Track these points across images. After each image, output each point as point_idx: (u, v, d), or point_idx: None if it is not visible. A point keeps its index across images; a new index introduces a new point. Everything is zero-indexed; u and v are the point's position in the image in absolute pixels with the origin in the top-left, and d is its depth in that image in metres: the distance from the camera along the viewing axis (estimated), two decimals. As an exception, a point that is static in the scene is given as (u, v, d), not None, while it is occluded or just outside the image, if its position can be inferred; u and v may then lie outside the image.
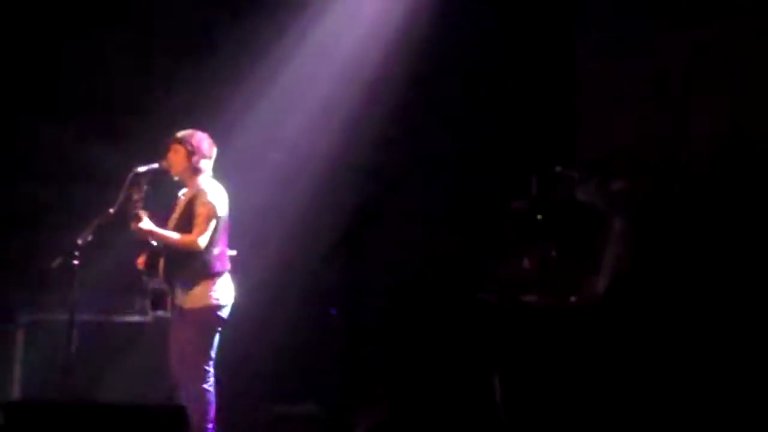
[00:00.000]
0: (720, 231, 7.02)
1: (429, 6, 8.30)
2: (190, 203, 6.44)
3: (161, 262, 6.39)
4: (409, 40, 8.33)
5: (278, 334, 8.25)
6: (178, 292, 6.42)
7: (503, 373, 6.97)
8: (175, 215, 6.52)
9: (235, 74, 8.31)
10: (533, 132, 8.42)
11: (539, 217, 7.33)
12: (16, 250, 8.12)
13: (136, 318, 7.59)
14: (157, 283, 6.44)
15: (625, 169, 6.73)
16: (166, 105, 8.14)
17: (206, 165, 6.55)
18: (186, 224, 6.40)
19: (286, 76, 8.37)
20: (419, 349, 8.27)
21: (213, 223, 6.40)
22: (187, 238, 6.36)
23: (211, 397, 6.42)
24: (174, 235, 6.36)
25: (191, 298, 6.42)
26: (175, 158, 6.52)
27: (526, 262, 7.21)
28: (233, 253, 6.61)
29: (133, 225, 6.29)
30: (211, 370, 6.45)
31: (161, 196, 6.64)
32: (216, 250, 6.44)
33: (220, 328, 6.47)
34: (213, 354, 6.46)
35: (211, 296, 6.44)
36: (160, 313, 6.48)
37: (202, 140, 6.54)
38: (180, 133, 6.55)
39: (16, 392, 7.62)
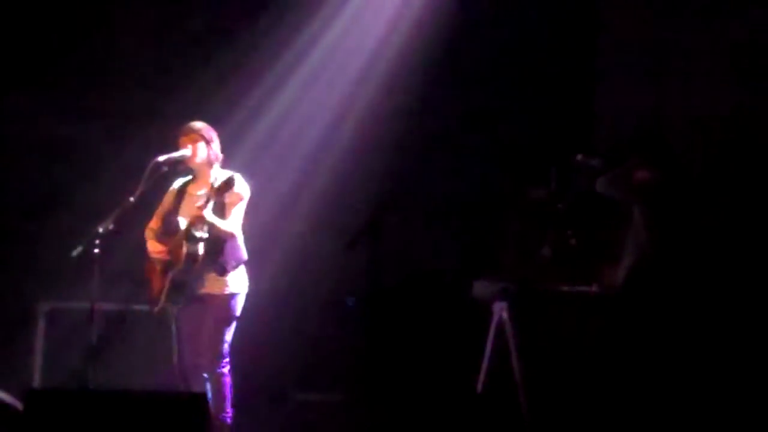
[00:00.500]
0: (740, 218, 6.99)
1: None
2: (220, 191, 6.45)
3: (197, 252, 6.39)
4: (427, 30, 8.32)
5: (301, 322, 8.26)
6: (210, 279, 6.44)
7: (523, 359, 6.97)
8: (202, 204, 6.46)
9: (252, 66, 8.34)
10: (552, 120, 8.41)
11: (559, 206, 7.32)
12: (36, 239, 8.15)
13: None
14: (178, 274, 6.43)
15: (646, 155, 6.69)
16: (183, 98, 8.14)
17: (219, 155, 6.60)
18: (219, 212, 6.42)
19: (312, 58, 8.39)
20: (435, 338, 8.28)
21: (243, 210, 6.45)
22: (227, 226, 6.41)
23: (229, 383, 6.45)
24: (224, 224, 6.39)
25: (223, 285, 6.45)
26: (196, 148, 6.55)
27: (546, 251, 7.21)
28: None
29: (197, 211, 6.28)
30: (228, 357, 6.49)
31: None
32: (242, 237, 6.51)
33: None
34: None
35: (241, 282, 6.51)
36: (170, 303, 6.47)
37: (213, 131, 6.60)
38: (195, 125, 6.58)
39: (36, 380, 7.66)
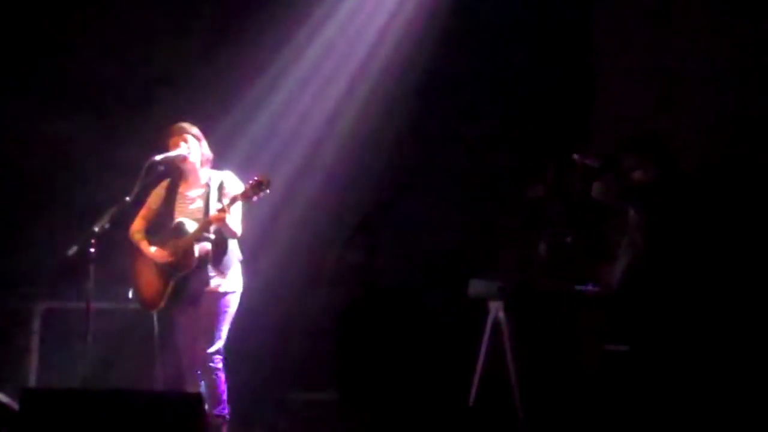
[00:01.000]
0: (736, 218, 6.99)
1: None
2: (220, 190, 6.45)
3: (208, 254, 6.38)
4: (424, 28, 8.32)
5: (295, 322, 8.26)
6: (214, 277, 6.43)
7: (519, 356, 6.98)
8: (202, 203, 6.45)
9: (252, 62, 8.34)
10: (550, 117, 8.41)
11: (556, 205, 7.33)
12: (31, 239, 8.14)
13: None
14: (183, 276, 6.42)
15: (643, 155, 6.69)
16: (180, 97, 8.14)
17: (210, 155, 6.61)
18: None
19: (309, 54, 8.39)
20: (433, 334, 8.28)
21: (242, 209, 6.46)
22: (235, 226, 6.41)
23: (223, 378, 6.45)
24: (234, 225, 6.39)
25: (226, 283, 6.46)
26: (191, 147, 6.55)
27: (542, 248, 7.21)
28: None
29: (219, 213, 6.27)
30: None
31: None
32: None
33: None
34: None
35: (236, 281, 6.52)
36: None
37: (199, 131, 6.61)
38: (187, 125, 6.58)
39: (32, 380, 7.65)
